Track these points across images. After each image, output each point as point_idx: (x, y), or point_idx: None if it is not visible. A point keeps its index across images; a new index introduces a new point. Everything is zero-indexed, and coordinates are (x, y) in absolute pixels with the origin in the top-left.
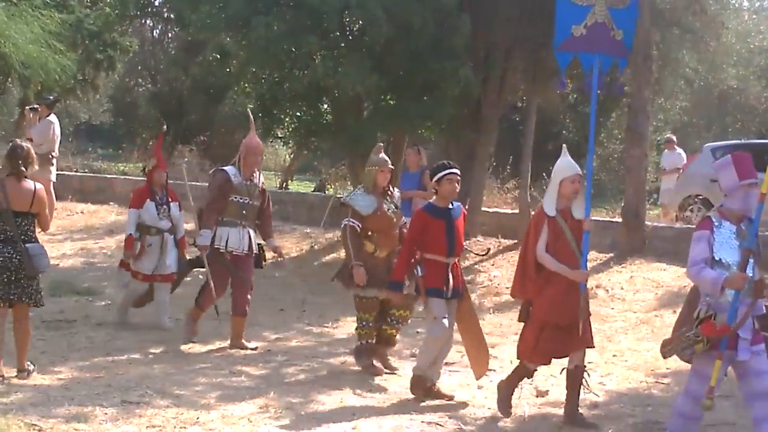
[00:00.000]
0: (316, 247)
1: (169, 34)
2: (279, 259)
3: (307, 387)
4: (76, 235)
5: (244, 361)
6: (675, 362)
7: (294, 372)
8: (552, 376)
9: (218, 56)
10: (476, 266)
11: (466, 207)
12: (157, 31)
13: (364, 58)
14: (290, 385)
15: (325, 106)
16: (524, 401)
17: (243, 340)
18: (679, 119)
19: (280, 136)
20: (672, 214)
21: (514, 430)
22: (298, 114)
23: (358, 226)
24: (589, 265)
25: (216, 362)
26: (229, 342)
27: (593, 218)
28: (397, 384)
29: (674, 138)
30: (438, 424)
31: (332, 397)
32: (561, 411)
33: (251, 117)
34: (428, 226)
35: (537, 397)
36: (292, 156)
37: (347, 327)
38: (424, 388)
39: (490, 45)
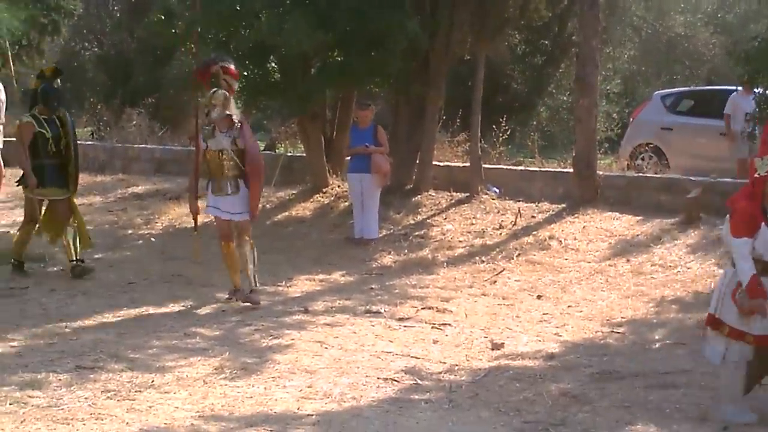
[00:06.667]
0: (267, 206)
1: None
2: None
3: (262, 346)
4: None
5: (198, 322)
6: (630, 311)
7: (248, 332)
8: (507, 329)
9: (163, 17)
10: (429, 220)
11: (417, 162)
12: None
13: (309, 15)
14: (245, 345)
15: (273, 64)
16: (480, 354)
17: None
18: (627, 68)
19: None
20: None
21: (469, 384)
22: (246, 73)
23: None
24: (542, 215)
25: (170, 324)
26: None
27: (546, 169)
28: (352, 341)
29: None
30: (394, 380)
31: (287, 356)
32: (516, 363)
33: None
34: None
35: (492, 350)
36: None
37: (300, 285)
38: None
39: None
